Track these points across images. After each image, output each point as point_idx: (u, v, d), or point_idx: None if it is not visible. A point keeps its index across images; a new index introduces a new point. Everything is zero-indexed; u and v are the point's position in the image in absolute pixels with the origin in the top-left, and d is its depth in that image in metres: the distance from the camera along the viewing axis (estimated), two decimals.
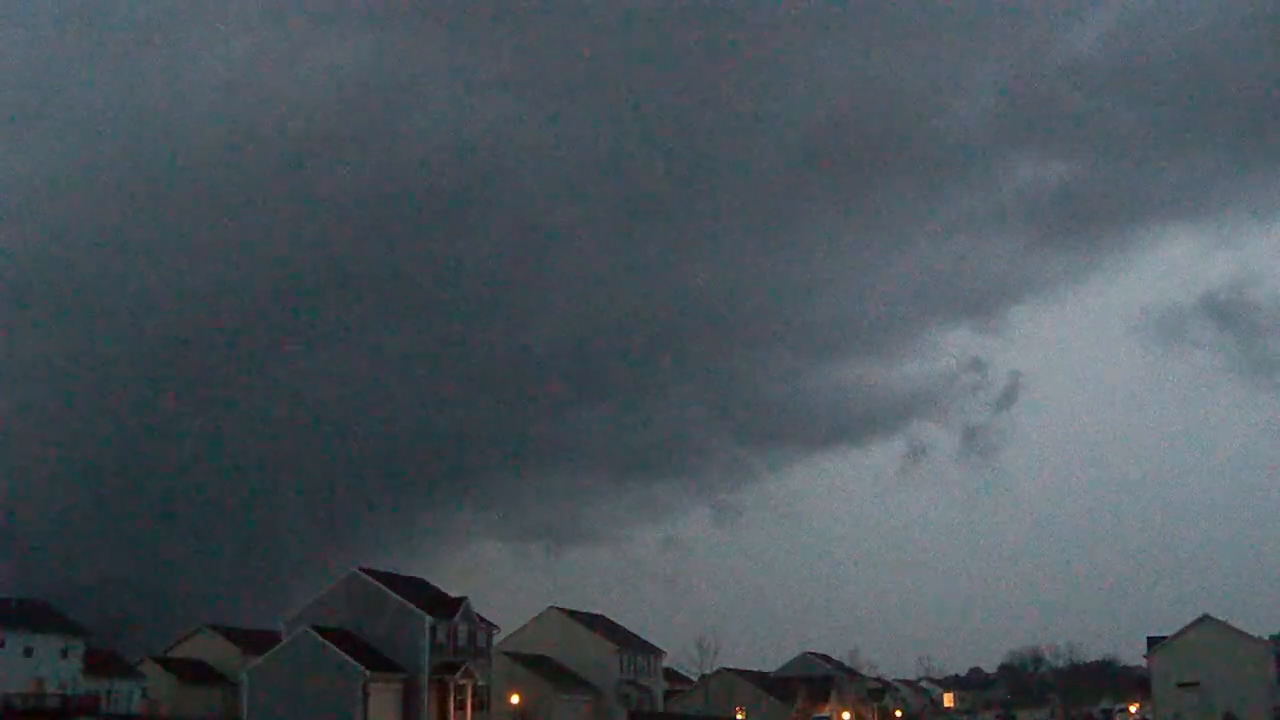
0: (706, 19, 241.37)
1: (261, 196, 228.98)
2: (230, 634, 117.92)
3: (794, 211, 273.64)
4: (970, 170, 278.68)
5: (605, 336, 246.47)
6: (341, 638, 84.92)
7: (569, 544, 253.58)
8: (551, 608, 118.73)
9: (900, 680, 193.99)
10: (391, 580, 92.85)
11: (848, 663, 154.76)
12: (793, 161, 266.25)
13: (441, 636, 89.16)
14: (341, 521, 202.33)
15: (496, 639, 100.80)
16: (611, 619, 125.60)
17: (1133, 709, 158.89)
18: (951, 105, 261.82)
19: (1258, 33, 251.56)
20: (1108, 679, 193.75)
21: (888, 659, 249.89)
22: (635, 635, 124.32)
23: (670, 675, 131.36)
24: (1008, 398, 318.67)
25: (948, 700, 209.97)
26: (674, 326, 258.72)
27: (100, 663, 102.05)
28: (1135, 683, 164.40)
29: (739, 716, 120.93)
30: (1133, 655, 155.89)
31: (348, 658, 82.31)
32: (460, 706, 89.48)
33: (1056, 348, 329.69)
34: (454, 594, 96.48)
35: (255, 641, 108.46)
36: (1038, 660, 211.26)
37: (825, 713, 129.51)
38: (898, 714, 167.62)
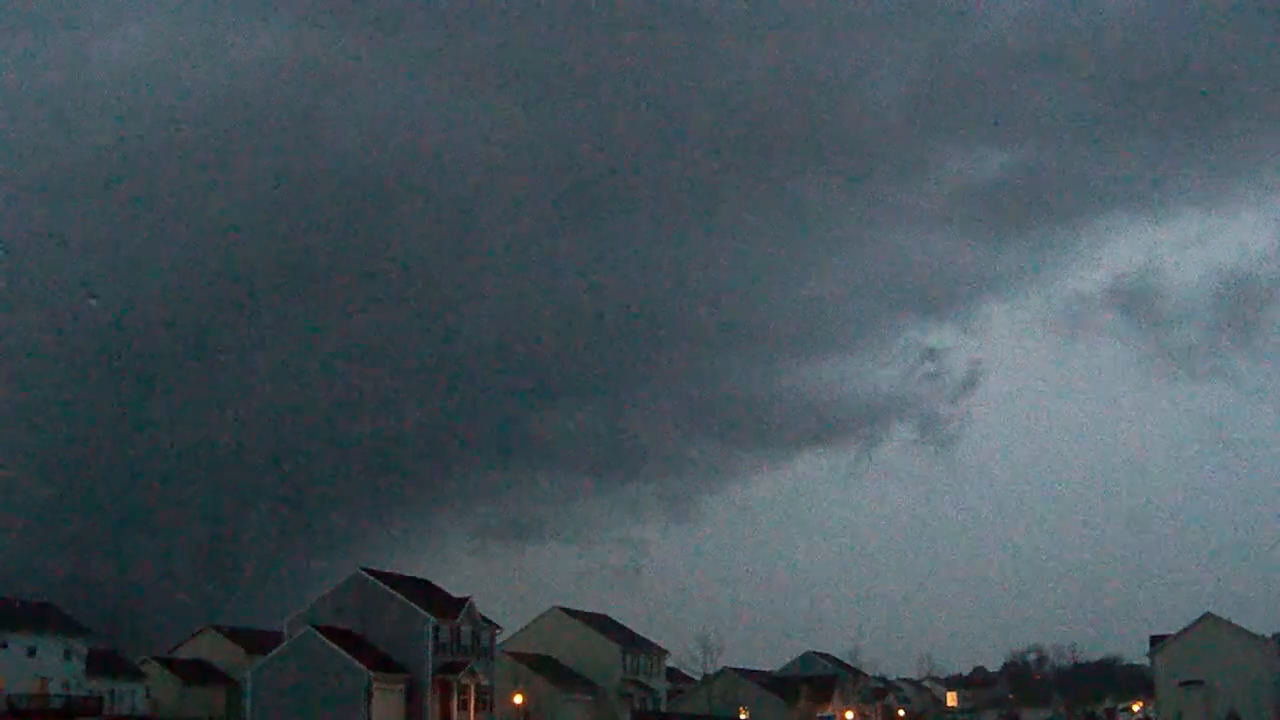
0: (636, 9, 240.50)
1: (186, 189, 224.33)
2: (234, 634, 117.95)
3: (726, 207, 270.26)
4: (901, 162, 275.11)
5: (556, 333, 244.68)
6: (345, 638, 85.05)
7: (538, 542, 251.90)
8: (555, 607, 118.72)
9: (903, 679, 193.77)
10: (395, 581, 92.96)
11: (850, 662, 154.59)
12: (719, 156, 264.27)
13: (445, 637, 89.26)
14: (305, 520, 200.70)
15: (499, 639, 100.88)
16: (615, 619, 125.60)
17: (1136, 708, 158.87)
18: (869, 94, 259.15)
19: (1173, 15, 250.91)
20: (1110, 678, 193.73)
21: (890, 658, 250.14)
22: (638, 635, 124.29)
23: (673, 675, 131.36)
24: (970, 388, 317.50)
25: (951, 699, 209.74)
26: (623, 325, 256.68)
27: (103, 663, 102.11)
28: (1138, 681, 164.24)
29: (742, 716, 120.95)
30: (1136, 654, 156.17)
31: (351, 658, 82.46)
32: (463, 707, 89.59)
33: (1017, 342, 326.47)
34: (457, 594, 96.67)
35: (259, 642, 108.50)
36: (1041, 659, 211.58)
37: (828, 712, 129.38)
38: (901, 713, 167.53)
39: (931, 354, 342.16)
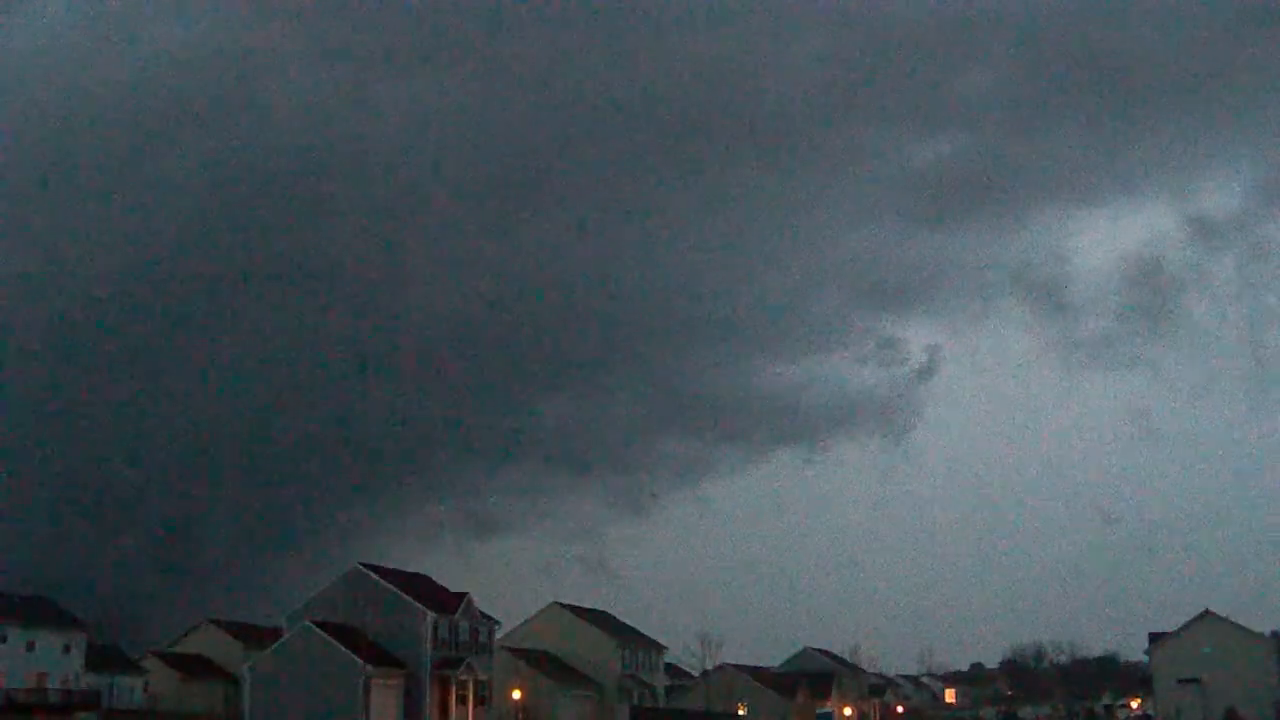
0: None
1: (115, 179, 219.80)
2: (232, 629, 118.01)
3: (666, 200, 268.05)
4: (829, 150, 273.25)
5: (508, 326, 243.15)
6: (343, 633, 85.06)
7: (501, 537, 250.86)
8: (554, 603, 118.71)
9: (902, 676, 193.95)
10: (393, 576, 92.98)
11: (849, 658, 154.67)
12: (652, 147, 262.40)
13: (443, 632, 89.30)
14: (273, 516, 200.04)
15: (498, 634, 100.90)
16: (614, 615, 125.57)
17: (1134, 705, 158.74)
18: (786, 82, 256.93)
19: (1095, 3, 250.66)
20: (1109, 675, 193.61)
21: (889, 654, 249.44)
22: (637, 631, 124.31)
23: (672, 671, 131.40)
24: (936, 379, 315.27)
25: (949, 696, 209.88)
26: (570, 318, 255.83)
27: (102, 657, 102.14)
28: (1137, 679, 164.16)
29: (740, 712, 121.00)
30: (1134, 651, 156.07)
31: (349, 653, 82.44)
32: (462, 702, 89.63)
33: (979, 331, 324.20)
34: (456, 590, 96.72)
35: (257, 637, 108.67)
36: (1039, 656, 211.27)
37: (827, 708, 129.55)
38: (899, 709, 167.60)
39: (894, 345, 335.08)
